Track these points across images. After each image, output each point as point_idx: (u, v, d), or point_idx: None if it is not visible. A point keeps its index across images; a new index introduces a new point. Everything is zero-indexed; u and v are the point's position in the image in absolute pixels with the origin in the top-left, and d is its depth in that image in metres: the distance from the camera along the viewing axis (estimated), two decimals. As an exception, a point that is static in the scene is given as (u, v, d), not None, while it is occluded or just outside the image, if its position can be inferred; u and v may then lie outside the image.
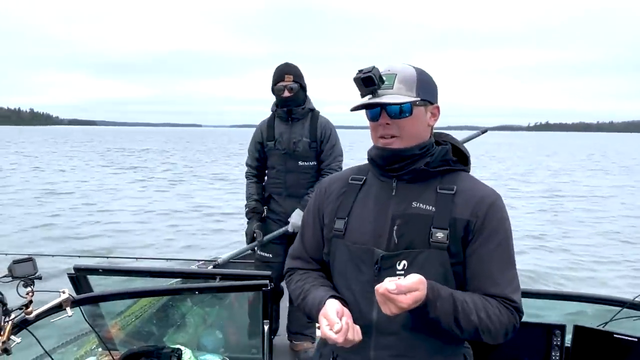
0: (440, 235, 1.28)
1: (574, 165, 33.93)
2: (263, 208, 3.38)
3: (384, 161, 1.36)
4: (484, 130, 3.37)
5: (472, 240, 1.30)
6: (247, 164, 3.47)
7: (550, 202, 16.02)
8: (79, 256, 4.53)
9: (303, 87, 3.24)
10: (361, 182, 1.43)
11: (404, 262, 1.28)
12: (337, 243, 1.39)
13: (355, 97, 1.35)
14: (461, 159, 1.42)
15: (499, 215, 1.33)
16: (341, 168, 3.36)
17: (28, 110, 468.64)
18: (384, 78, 1.30)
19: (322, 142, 3.28)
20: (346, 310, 1.27)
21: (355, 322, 1.28)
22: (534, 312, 2.21)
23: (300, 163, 3.26)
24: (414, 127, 1.33)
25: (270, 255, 3.29)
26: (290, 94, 3.16)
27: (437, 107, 1.40)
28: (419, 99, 1.32)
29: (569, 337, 2.02)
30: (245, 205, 3.41)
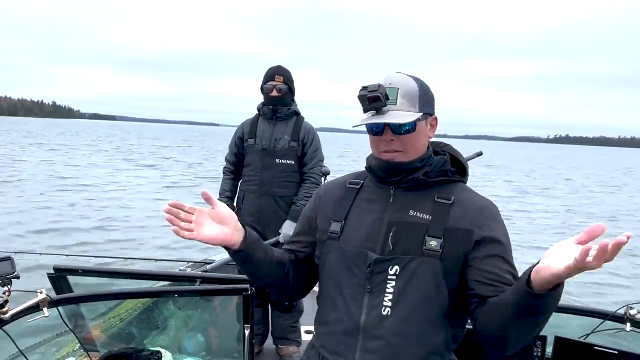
0: (433, 243, 1.29)
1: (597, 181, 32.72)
2: (235, 207, 3.39)
3: (386, 173, 1.38)
4: (479, 153, 3.39)
5: (476, 249, 1.30)
6: (226, 159, 3.51)
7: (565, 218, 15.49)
8: (67, 255, 4.50)
9: (292, 90, 3.30)
10: (359, 187, 1.46)
11: (397, 267, 1.29)
12: (331, 245, 1.40)
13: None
14: (459, 170, 1.44)
15: (500, 227, 1.34)
16: (322, 173, 3.42)
17: (51, 103, 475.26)
18: (388, 94, 1.31)
19: (305, 145, 3.32)
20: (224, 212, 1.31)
21: (344, 323, 1.33)
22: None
23: (277, 161, 3.28)
24: (416, 142, 1.35)
25: None
26: (279, 95, 3.23)
27: (436, 119, 1.42)
28: (421, 114, 1.33)
29: (549, 349, 2.01)
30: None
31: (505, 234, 1.34)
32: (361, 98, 1.31)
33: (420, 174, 1.35)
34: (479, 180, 24.48)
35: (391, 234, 1.33)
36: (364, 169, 1.49)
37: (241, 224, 1.36)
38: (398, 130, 1.32)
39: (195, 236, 1.28)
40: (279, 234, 3.31)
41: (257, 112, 3.40)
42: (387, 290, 1.29)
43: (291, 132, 3.30)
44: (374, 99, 1.29)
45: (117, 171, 21.55)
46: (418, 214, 1.33)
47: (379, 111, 1.31)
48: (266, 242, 3.28)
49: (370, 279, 1.31)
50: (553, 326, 2.27)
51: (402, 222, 1.33)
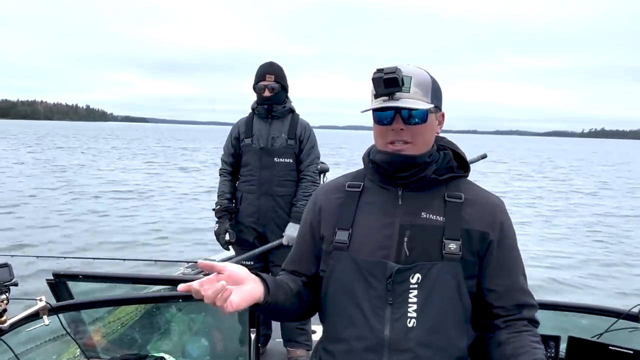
0: (453, 246, 1.23)
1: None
2: (235, 208, 3.33)
3: (393, 167, 1.29)
4: (483, 156, 3.35)
5: (490, 250, 1.28)
6: (222, 160, 3.44)
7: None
8: (65, 257, 4.45)
9: (284, 88, 3.26)
10: (359, 189, 1.36)
11: (418, 275, 1.23)
12: (340, 256, 1.30)
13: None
14: (460, 163, 1.38)
15: (510, 222, 1.33)
16: (318, 170, 3.38)
17: (84, 107, 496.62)
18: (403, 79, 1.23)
19: (302, 142, 3.28)
20: (246, 276, 1.15)
21: (366, 339, 1.24)
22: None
23: (275, 159, 3.23)
24: (426, 134, 1.29)
25: (252, 262, 3.25)
26: (271, 94, 3.18)
27: (443, 115, 1.37)
28: (433, 105, 1.28)
29: (563, 349, 1.97)
30: (216, 204, 3.35)
31: (513, 231, 1.33)
32: (376, 81, 1.21)
33: (431, 172, 1.28)
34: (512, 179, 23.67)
35: (405, 238, 1.25)
36: (361, 169, 1.41)
37: (254, 273, 1.20)
38: (410, 119, 1.25)
39: (233, 307, 1.08)
40: (281, 234, 3.27)
41: (251, 110, 3.35)
42: (410, 300, 1.22)
43: (287, 129, 3.26)
44: (390, 82, 1.21)
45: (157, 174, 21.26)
46: (431, 215, 1.27)
47: (391, 97, 1.23)
48: (269, 245, 3.27)
49: (391, 290, 1.23)
50: (566, 326, 2.23)
51: (416, 226, 1.26)
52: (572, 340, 1.96)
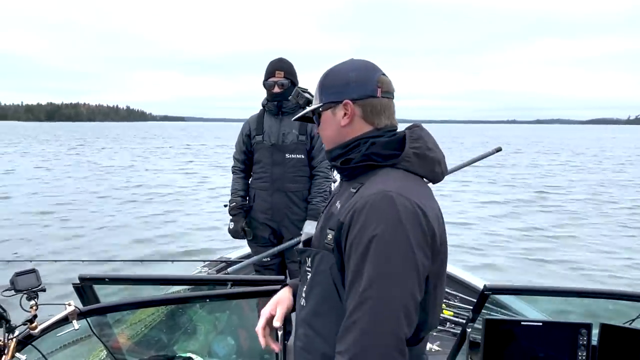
0: (329, 236, 1.21)
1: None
2: (249, 205, 3.33)
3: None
4: (498, 149, 3.28)
5: (346, 245, 1.15)
6: (234, 158, 3.44)
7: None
8: (83, 261, 4.45)
9: (294, 84, 3.23)
10: None
11: (309, 259, 1.29)
12: None
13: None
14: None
15: (367, 219, 1.10)
16: (331, 166, 3.32)
17: (125, 107, 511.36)
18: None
19: (313, 138, 3.26)
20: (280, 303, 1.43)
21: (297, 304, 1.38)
22: (557, 307, 2.14)
23: (287, 156, 3.22)
24: (325, 131, 1.34)
25: (268, 259, 3.25)
26: (281, 90, 3.17)
27: (346, 103, 1.26)
28: (320, 104, 1.32)
29: (595, 336, 1.95)
30: (230, 201, 3.35)
31: (365, 236, 1.09)
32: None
33: (339, 162, 1.29)
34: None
35: (320, 225, 1.31)
36: None
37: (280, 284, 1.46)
38: (314, 124, 1.38)
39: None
40: (295, 231, 3.26)
41: (261, 107, 3.34)
42: (306, 282, 1.29)
43: (298, 125, 3.24)
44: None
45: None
46: (337, 204, 1.26)
47: None
48: (287, 244, 3.27)
49: (300, 268, 1.34)
50: (597, 313, 2.21)
51: (327, 214, 1.30)
52: (604, 327, 1.94)
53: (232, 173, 3.44)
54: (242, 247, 4.63)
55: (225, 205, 3.42)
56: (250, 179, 3.43)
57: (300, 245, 1.39)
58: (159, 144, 48.36)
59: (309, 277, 1.28)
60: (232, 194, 3.38)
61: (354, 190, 1.21)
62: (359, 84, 1.27)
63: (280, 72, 3.18)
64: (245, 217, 3.31)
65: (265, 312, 1.42)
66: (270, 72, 3.20)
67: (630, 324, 2.00)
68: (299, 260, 1.34)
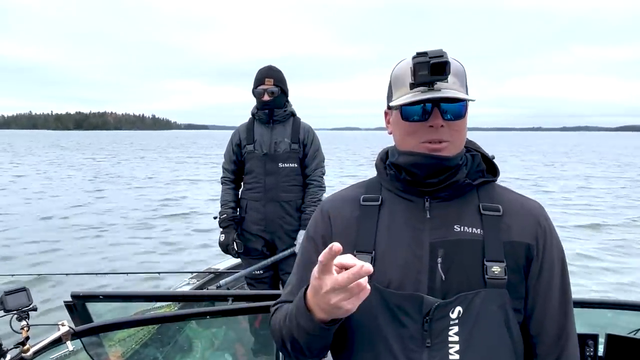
0: (496, 269, 1.02)
1: None
2: (240, 216, 3.26)
3: (425, 171, 1.07)
4: (491, 157, 3.29)
5: (535, 269, 1.07)
6: (223, 168, 3.36)
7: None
8: (75, 274, 4.33)
9: (284, 91, 3.19)
10: (378, 203, 1.13)
11: (459, 308, 1.01)
12: None
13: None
14: (488, 166, 1.19)
15: (556, 234, 1.12)
16: (324, 174, 3.30)
17: (150, 116, 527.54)
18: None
19: (306, 146, 3.22)
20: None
21: None
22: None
23: (280, 165, 3.17)
24: (464, 131, 1.09)
25: (261, 272, 3.18)
26: (270, 98, 3.12)
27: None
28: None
29: (600, 344, 1.93)
30: (220, 213, 3.27)
31: (560, 245, 1.12)
32: (419, 66, 1.01)
33: (463, 176, 1.08)
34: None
35: (439, 259, 1.04)
36: (373, 177, 1.21)
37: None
38: (451, 113, 1.05)
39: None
40: (289, 241, 3.20)
41: (251, 116, 3.28)
42: (450, 339, 1.01)
43: (290, 134, 3.20)
44: (437, 68, 1.00)
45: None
46: (466, 228, 1.06)
47: (431, 87, 1.03)
48: (281, 255, 3.20)
49: (428, 330, 1.01)
50: (603, 324, 2.19)
51: (449, 242, 1.05)
52: (610, 337, 1.92)
53: (222, 184, 3.36)
54: (231, 258, 4.56)
55: (215, 218, 3.35)
56: (240, 190, 3.36)
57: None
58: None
59: (454, 331, 1.01)
60: (222, 205, 3.30)
61: (497, 214, 1.08)
62: None
63: (270, 79, 3.13)
64: (236, 229, 3.24)
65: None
66: (260, 79, 3.14)
67: (635, 334, 1.99)
68: (427, 319, 1.02)
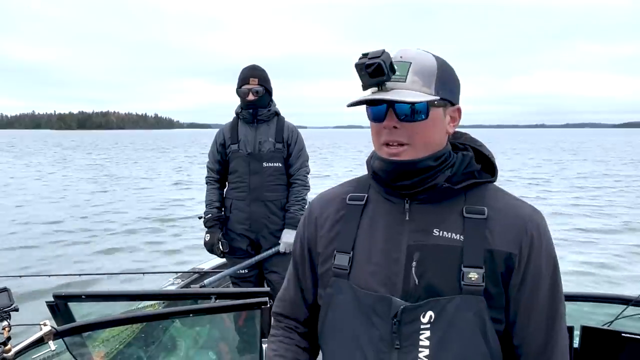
0: (473, 276, 1.00)
1: None
2: (225, 216, 3.27)
3: (389, 176, 1.07)
4: (491, 156, 3.34)
5: (516, 280, 1.04)
6: (208, 168, 3.37)
7: None
8: (49, 275, 4.28)
9: (268, 91, 3.20)
10: (363, 202, 1.14)
11: (430, 313, 1.01)
12: (340, 285, 1.10)
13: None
14: (485, 166, 1.14)
15: (548, 243, 1.07)
16: (308, 173, 3.33)
17: (153, 116, 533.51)
18: (396, 67, 1.01)
19: (290, 145, 3.24)
20: None
21: None
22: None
23: (264, 164, 3.19)
24: (428, 132, 1.05)
25: (246, 271, 3.20)
26: (255, 97, 3.12)
27: (459, 110, 1.12)
28: (438, 97, 1.04)
29: (575, 336, 1.98)
30: (205, 213, 3.29)
31: (552, 256, 1.07)
32: (358, 67, 0.99)
33: (442, 180, 1.06)
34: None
35: (414, 262, 1.03)
36: (365, 174, 1.21)
37: None
38: (404, 114, 1.02)
39: None
40: (274, 240, 3.22)
41: (235, 115, 3.30)
42: (421, 343, 1.01)
43: (274, 133, 3.22)
44: (372, 68, 0.97)
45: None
46: (445, 233, 1.04)
47: (381, 87, 1.02)
48: (265, 254, 3.23)
49: (397, 332, 1.02)
50: (578, 316, 2.25)
51: (427, 246, 1.04)
52: (585, 329, 1.97)
53: (207, 184, 3.37)
54: (216, 257, 4.56)
55: (200, 217, 3.35)
56: (225, 189, 3.37)
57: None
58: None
59: (425, 335, 1.01)
60: (207, 205, 3.31)
61: (482, 216, 1.05)
62: (459, 91, 1.13)
63: (255, 79, 3.14)
64: (221, 228, 3.25)
65: None
66: (244, 79, 3.15)
67: (609, 325, 2.05)
68: (396, 320, 1.02)
